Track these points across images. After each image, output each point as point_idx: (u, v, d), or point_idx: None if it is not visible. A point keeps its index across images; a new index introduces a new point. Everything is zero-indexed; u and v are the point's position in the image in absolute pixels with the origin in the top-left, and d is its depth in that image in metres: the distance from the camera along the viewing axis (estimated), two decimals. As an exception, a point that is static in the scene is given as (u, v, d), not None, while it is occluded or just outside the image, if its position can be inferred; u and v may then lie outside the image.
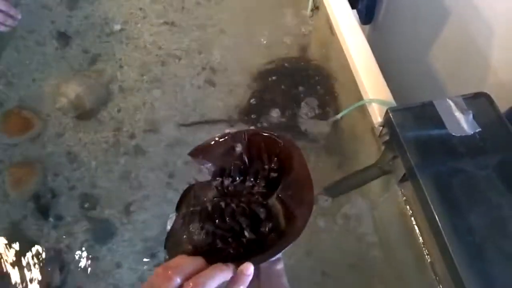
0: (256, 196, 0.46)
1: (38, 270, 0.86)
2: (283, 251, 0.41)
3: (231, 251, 0.42)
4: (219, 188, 0.48)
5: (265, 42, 1.25)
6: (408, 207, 0.72)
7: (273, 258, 0.42)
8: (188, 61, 1.21)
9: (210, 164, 0.51)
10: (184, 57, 1.22)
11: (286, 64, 1.15)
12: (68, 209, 0.93)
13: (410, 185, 0.66)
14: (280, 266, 0.45)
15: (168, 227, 0.47)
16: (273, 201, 0.45)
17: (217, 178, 0.49)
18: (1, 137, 1.03)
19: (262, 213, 0.44)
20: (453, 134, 0.65)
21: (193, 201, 0.48)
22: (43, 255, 0.87)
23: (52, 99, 1.10)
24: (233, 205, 0.44)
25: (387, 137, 0.73)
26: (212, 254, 0.41)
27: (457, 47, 1.11)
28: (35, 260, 0.87)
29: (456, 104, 0.69)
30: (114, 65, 1.20)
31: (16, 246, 0.88)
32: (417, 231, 0.70)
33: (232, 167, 0.49)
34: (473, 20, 1.01)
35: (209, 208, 0.45)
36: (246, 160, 0.49)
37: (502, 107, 0.74)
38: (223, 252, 0.42)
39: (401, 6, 1.39)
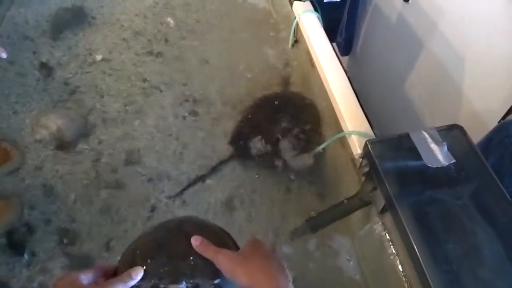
0: None
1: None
2: None
3: None
4: None
5: (247, 73, 1.27)
6: (388, 237, 0.73)
7: None
8: (171, 91, 1.22)
9: None
10: (167, 87, 1.23)
11: (268, 96, 1.17)
12: (45, 244, 0.90)
13: (390, 215, 0.67)
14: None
15: None
16: None
17: None
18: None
19: None
20: (429, 165, 0.67)
21: None
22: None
23: (32, 131, 1.08)
24: None
25: (367, 169, 0.75)
26: None
27: (432, 78, 1.16)
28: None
29: (431, 136, 0.71)
30: (96, 96, 1.19)
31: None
32: (397, 259, 0.71)
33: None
34: (446, 53, 1.06)
35: None
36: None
37: (476, 135, 0.77)
38: None
39: (378, 39, 1.45)
